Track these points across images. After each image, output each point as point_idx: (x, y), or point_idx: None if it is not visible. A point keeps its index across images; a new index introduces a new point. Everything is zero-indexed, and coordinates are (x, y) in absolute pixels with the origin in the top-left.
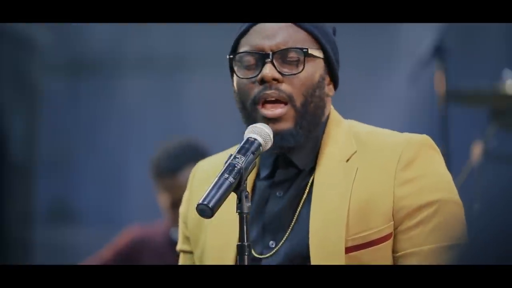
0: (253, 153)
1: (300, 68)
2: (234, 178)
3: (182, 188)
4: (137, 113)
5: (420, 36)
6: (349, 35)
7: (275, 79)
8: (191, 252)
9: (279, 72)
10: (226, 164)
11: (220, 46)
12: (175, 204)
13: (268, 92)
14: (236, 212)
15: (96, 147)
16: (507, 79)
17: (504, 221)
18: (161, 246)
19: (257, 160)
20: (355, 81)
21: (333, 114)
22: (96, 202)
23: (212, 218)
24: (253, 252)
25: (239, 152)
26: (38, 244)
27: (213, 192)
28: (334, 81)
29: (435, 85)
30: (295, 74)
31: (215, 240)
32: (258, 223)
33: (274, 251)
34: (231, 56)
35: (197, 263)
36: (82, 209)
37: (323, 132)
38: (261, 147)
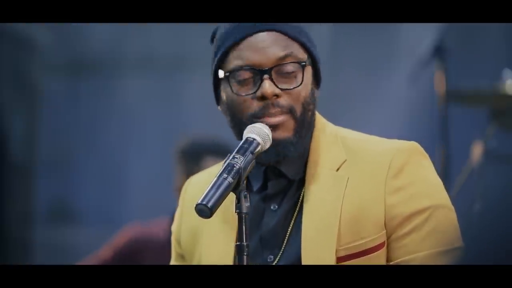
0: (252, 152)
1: (299, 81)
2: (233, 178)
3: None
4: (137, 113)
5: (420, 36)
6: (349, 35)
7: (275, 95)
8: None
9: (278, 88)
10: (225, 164)
11: None
12: None
13: (272, 111)
14: (235, 212)
15: (96, 147)
16: (507, 79)
17: (504, 221)
18: (162, 244)
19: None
20: (355, 81)
21: (318, 118)
22: (96, 202)
23: (206, 234)
24: None
25: (238, 151)
26: (38, 244)
27: (212, 192)
28: (318, 82)
29: (435, 85)
30: (295, 87)
31: (210, 256)
32: (255, 237)
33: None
34: (227, 74)
35: None
36: (82, 209)
37: (310, 139)
38: (260, 147)
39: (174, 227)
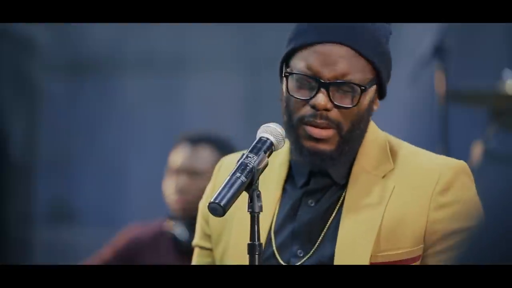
0: (265, 152)
1: (355, 102)
2: (246, 177)
3: (187, 159)
4: (137, 113)
5: (420, 36)
6: None
7: (326, 109)
8: (209, 249)
9: (332, 102)
10: (238, 163)
11: (220, 46)
12: (177, 171)
13: (318, 121)
14: (248, 211)
15: (96, 147)
16: (507, 79)
17: (504, 221)
18: (162, 245)
19: (292, 167)
20: None
21: (370, 125)
22: (96, 202)
23: (238, 216)
24: (278, 258)
25: (251, 151)
26: (38, 244)
27: (225, 190)
28: (381, 96)
29: (435, 85)
30: (348, 107)
31: (240, 239)
32: (287, 229)
33: (302, 261)
34: (287, 74)
35: (217, 260)
36: (82, 209)
37: (359, 144)
38: (273, 147)
39: (203, 205)
